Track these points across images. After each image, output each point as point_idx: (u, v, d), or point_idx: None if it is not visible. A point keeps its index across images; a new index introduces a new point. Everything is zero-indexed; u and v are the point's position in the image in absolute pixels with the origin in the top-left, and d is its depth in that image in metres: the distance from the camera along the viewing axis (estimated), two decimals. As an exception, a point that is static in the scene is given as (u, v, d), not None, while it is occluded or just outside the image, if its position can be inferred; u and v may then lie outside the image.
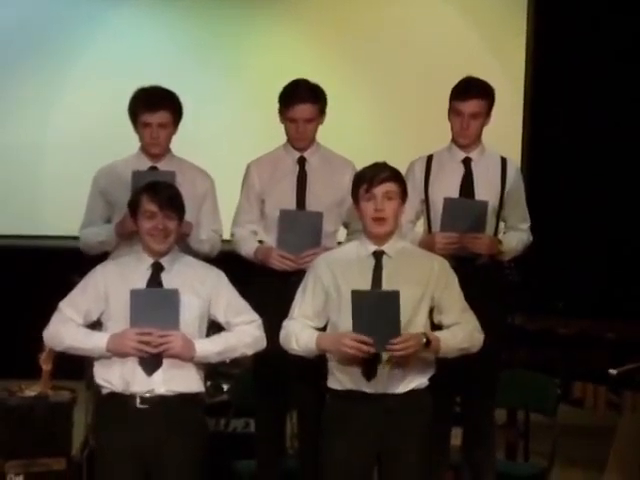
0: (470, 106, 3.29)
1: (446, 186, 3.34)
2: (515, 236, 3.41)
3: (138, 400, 2.81)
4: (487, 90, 3.35)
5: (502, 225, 3.44)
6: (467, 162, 3.38)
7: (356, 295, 2.72)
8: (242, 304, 2.97)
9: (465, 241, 3.25)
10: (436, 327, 2.87)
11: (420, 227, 3.47)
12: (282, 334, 2.89)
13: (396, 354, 2.71)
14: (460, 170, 3.37)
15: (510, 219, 3.42)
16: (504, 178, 3.37)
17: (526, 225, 3.45)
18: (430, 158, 3.42)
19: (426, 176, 3.39)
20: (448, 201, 3.27)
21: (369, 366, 2.78)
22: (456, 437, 3.50)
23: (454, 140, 3.39)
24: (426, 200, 3.39)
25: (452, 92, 3.35)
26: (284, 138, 3.41)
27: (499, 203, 3.36)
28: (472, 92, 3.30)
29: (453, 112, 3.33)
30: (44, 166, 5.59)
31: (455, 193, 3.33)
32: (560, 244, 4.92)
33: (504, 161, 3.41)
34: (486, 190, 3.34)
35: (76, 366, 3.63)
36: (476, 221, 3.26)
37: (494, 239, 3.34)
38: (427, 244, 3.27)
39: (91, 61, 5.52)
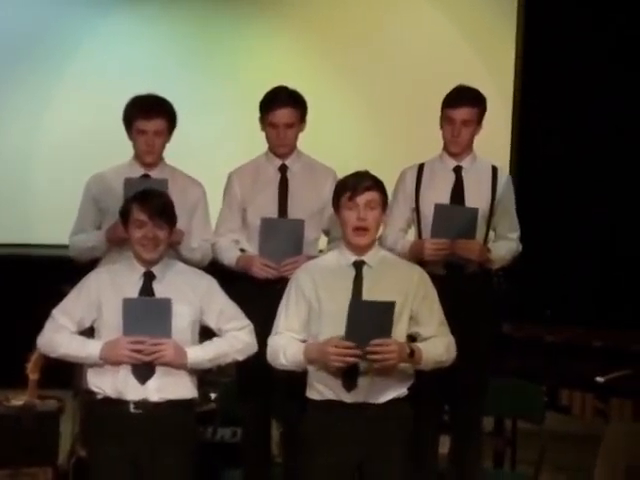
0: (461, 113, 3.30)
1: (437, 194, 3.35)
2: (504, 245, 3.42)
3: (132, 406, 2.83)
4: (478, 98, 3.37)
5: (492, 234, 3.46)
6: (458, 170, 3.39)
7: (353, 304, 2.73)
8: (233, 310, 2.98)
9: (455, 247, 3.26)
10: (409, 338, 2.87)
11: (411, 236, 3.48)
12: (268, 351, 2.88)
13: (375, 357, 2.70)
14: (451, 178, 3.38)
15: (499, 228, 3.44)
16: (494, 187, 3.39)
17: (515, 234, 3.47)
18: (422, 167, 3.44)
19: (417, 184, 3.40)
20: (438, 207, 3.28)
21: (349, 377, 2.77)
22: (443, 445, 3.51)
23: (445, 148, 3.41)
24: (417, 209, 3.40)
25: (444, 100, 3.37)
26: (272, 146, 3.42)
27: (489, 211, 3.37)
28: (464, 100, 3.32)
29: (445, 119, 3.35)
30: (35, 174, 5.55)
31: (446, 201, 3.34)
32: (548, 252, 4.94)
33: (495, 170, 3.42)
34: (476, 198, 3.35)
35: (63, 375, 3.62)
36: (466, 227, 3.28)
37: (484, 246, 3.35)
38: (416, 250, 3.29)
39: (82, 69, 5.49)
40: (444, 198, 3.35)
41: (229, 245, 3.41)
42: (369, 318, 2.71)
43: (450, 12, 5.46)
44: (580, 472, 3.98)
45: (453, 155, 3.39)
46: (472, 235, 3.30)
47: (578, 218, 5.36)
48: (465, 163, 3.40)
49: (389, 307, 2.72)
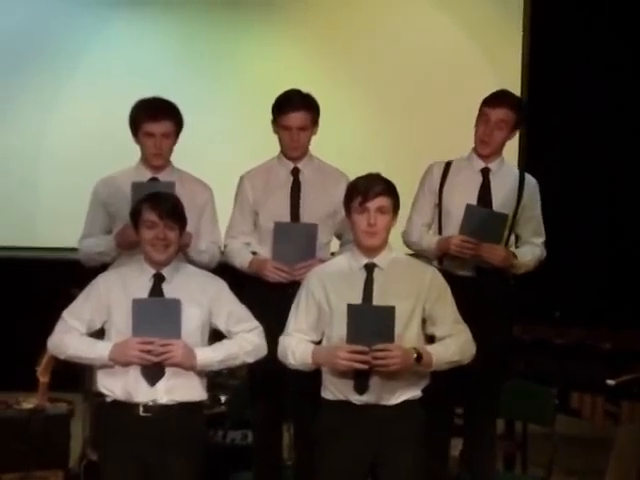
0: (498, 114, 3.31)
1: (461, 193, 3.35)
2: (529, 250, 3.41)
3: (141, 408, 2.83)
4: (519, 104, 3.39)
5: (512, 240, 3.45)
6: (485, 172, 3.39)
7: (352, 309, 2.72)
8: (243, 312, 2.98)
9: (481, 249, 3.25)
10: (428, 338, 2.88)
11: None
12: (279, 350, 2.90)
13: (378, 362, 2.70)
14: (478, 179, 3.38)
15: (524, 233, 3.43)
16: (521, 191, 3.38)
17: (540, 240, 3.46)
18: (449, 164, 3.43)
19: (442, 181, 3.40)
20: (470, 208, 3.28)
21: (361, 380, 2.78)
22: (456, 448, 3.50)
23: (475, 149, 3.40)
24: (439, 205, 3.39)
25: (484, 99, 3.37)
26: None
27: (513, 216, 3.37)
28: (503, 101, 3.33)
29: (480, 118, 3.35)
30: (41, 177, 5.56)
31: (471, 201, 3.34)
32: (556, 253, 4.93)
33: (522, 175, 3.43)
34: (502, 201, 3.36)
35: (73, 378, 3.63)
36: (494, 232, 3.28)
37: (509, 252, 3.34)
38: (443, 245, 3.30)
39: (87, 72, 5.49)
40: (470, 198, 3.34)
41: (241, 248, 3.40)
42: (369, 323, 2.71)
43: (456, 14, 5.46)
44: (591, 475, 3.98)
45: (482, 157, 3.39)
46: (498, 240, 3.29)
47: (588, 219, 5.35)
48: (493, 165, 3.40)
49: (389, 311, 2.71)
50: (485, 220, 3.28)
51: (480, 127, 3.35)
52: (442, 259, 3.35)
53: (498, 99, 3.34)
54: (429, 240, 3.37)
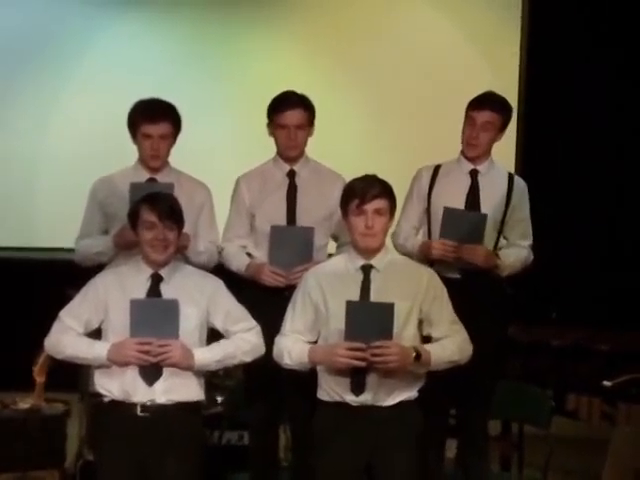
0: (483, 116, 3.31)
1: (450, 196, 3.35)
2: (513, 252, 3.41)
3: (139, 408, 2.83)
4: (504, 105, 3.38)
5: (504, 242, 3.45)
6: (474, 174, 3.39)
7: (351, 305, 2.73)
8: (240, 312, 2.99)
9: (462, 251, 3.26)
10: (425, 339, 2.88)
11: (421, 236, 3.47)
12: (274, 350, 2.90)
13: (376, 359, 2.70)
14: (466, 181, 3.38)
15: (511, 235, 3.43)
16: (510, 194, 3.38)
17: (526, 242, 3.45)
18: (437, 168, 3.44)
19: (431, 185, 3.41)
20: (447, 211, 3.28)
21: (357, 379, 2.78)
22: (450, 449, 3.50)
23: (463, 151, 3.41)
24: (428, 208, 3.40)
25: (469, 102, 3.38)
26: (279, 149, 3.42)
27: (502, 218, 3.37)
28: (487, 103, 3.33)
29: (466, 121, 3.35)
30: (40, 178, 5.56)
31: (459, 203, 3.34)
32: (553, 254, 4.95)
33: (511, 177, 3.43)
34: (491, 203, 3.35)
35: (70, 378, 3.63)
36: (474, 232, 3.27)
37: (491, 252, 3.34)
38: (425, 249, 3.30)
39: (87, 72, 5.50)
40: (458, 201, 3.34)
41: (237, 251, 3.40)
42: (367, 320, 2.71)
43: (455, 16, 5.47)
44: (587, 476, 3.98)
45: (470, 159, 3.40)
46: (479, 240, 3.30)
47: (583, 220, 5.36)
48: (482, 167, 3.40)
49: (387, 308, 2.72)
50: (464, 222, 3.28)
51: (466, 130, 3.36)
52: (432, 262, 3.35)
53: (482, 102, 3.35)
54: (413, 243, 3.38)
